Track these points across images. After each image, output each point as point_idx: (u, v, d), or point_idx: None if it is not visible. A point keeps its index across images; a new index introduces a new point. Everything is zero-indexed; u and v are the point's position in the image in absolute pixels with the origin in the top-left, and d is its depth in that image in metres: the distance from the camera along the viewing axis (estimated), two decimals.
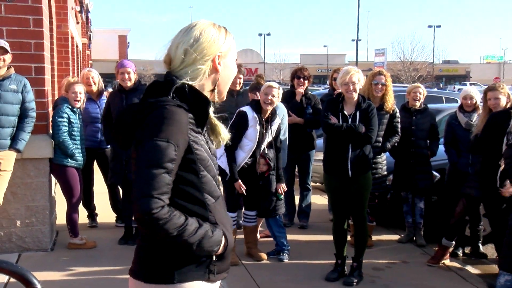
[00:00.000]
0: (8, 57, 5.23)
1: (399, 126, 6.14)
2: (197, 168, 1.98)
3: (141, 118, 1.94)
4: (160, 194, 1.84)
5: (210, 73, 2.08)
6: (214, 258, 2.03)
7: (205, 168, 2.01)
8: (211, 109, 2.12)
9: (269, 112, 5.51)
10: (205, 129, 2.11)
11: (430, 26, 65.71)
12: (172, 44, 2.10)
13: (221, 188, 2.21)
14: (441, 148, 6.47)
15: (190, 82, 2.03)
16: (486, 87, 5.78)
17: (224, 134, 2.21)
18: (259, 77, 6.60)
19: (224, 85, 2.15)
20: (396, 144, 6.15)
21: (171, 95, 1.99)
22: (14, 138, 5.37)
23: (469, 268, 5.77)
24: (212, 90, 2.15)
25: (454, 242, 5.87)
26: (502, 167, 4.64)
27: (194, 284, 2.00)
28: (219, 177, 2.46)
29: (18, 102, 5.34)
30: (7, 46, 5.19)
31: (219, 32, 2.10)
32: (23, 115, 5.41)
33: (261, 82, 6.31)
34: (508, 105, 5.40)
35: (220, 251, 2.03)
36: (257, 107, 5.49)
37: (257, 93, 5.96)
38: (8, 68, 5.31)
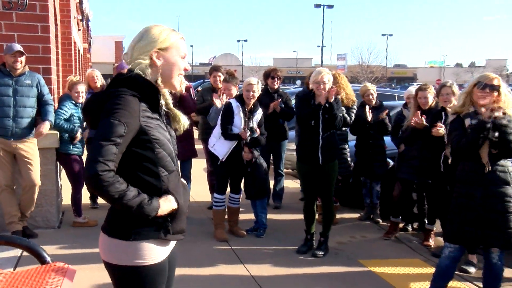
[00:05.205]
0: (23, 59, 5.24)
1: (353, 116, 6.08)
2: (152, 146, 2.06)
3: (103, 104, 2.03)
4: (106, 160, 1.91)
5: (151, 66, 2.12)
6: (168, 219, 2.10)
7: (161, 146, 2.09)
8: (169, 100, 2.23)
9: (251, 104, 5.51)
10: (164, 117, 2.20)
11: (383, 35, 66.29)
12: (130, 43, 2.20)
13: (178, 164, 2.28)
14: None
15: (139, 72, 2.10)
16: (418, 87, 5.82)
17: (184, 121, 2.29)
18: (230, 73, 6.50)
19: (167, 77, 2.14)
20: (350, 120, 6.00)
21: (127, 85, 2.07)
22: (45, 114, 5.35)
23: (417, 240, 5.84)
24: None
25: (400, 218, 5.95)
26: (449, 158, 4.66)
27: (148, 243, 2.09)
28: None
29: (34, 96, 5.32)
30: (22, 49, 5.21)
31: (160, 32, 2.13)
32: (43, 107, 5.38)
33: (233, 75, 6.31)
34: (434, 103, 5.48)
35: (161, 212, 2.06)
36: (241, 99, 5.50)
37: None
38: (23, 67, 5.29)
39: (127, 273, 2.10)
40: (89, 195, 6.76)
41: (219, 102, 5.79)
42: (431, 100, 5.48)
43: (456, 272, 4.18)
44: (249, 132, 5.47)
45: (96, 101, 2.10)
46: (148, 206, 2.01)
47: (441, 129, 4.97)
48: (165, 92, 2.25)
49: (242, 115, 5.46)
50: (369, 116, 6.25)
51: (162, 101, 2.21)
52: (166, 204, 2.09)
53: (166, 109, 2.25)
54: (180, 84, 2.22)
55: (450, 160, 4.60)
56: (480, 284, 4.02)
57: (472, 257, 4.93)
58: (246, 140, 5.49)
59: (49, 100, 5.45)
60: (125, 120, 1.96)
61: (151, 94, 2.09)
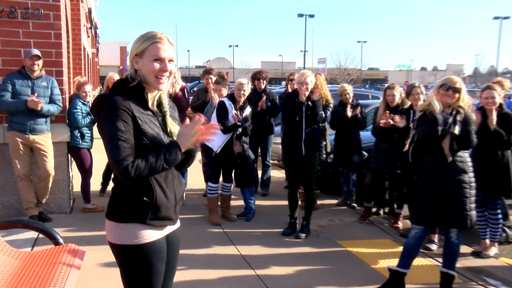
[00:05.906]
0: (41, 62, 5.28)
1: (328, 113, 6.10)
2: (140, 138, 2.05)
3: (102, 105, 2.06)
4: (124, 156, 1.97)
5: (134, 70, 2.14)
6: (150, 206, 2.10)
7: (148, 139, 2.06)
8: (167, 107, 2.22)
9: (241, 102, 5.53)
10: (160, 115, 2.19)
11: (359, 41, 66.39)
12: None
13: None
14: (369, 133, 6.55)
15: (131, 75, 2.13)
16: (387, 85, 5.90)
17: (174, 131, 2.23)
18: (221, 76, 6.53)
19: (146, 78, 2.11)
20: (326, 117, 6.01)
21: (120, 87, 2.13)
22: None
23: (387, 223, 5.91)
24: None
25: (372, 203, 6.01)
26: (406, 148, 4.70)
27: (133, 225, 2.10)
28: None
29: (48, 96, 5.35)
30: (39, 53, 5.24)
31: (138, 40, 2.13)
32: (50, 102, 5.36)
33: (224, 77, 6.34)
34: (400, 101, 5.59)
35: (187, 144, 2.08)
36: (232, 97, 5.51)
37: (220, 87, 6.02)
38: (40, 70, 5.31)
39: (124, 251, 2.13)
40: (97, 183, 6.75)
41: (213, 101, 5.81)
42: (397, 97, 5.58)
43: (420, 250, 4.24)
44: (241, 117, 5.48)
45: (99, 103, 2.11)
46: (170, 153, 2.04)
47: (397, 118, 5.22)
48: (163, 96, 2.23)
49: (234, 112, 5.48)
50: (350, 113, 6.28)
51: (164, 101, 2.21)
52: (181, 139, 2.10)
53: (163, 110, 2.23)
54: (171, 84, 2.19)
55: (405, 148, 4.64)
56: (441, 260, 4.09)
57: (434, 237, 5.02)
58: (238, 132, 5.51)
59: (57, 101, 5.42)
60: (121, 117, 2.00)
61: (137, 93, 2.10)
